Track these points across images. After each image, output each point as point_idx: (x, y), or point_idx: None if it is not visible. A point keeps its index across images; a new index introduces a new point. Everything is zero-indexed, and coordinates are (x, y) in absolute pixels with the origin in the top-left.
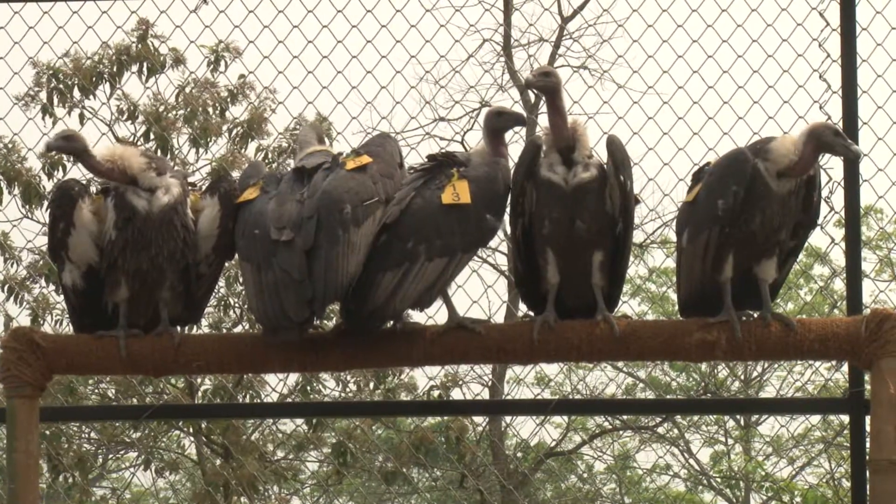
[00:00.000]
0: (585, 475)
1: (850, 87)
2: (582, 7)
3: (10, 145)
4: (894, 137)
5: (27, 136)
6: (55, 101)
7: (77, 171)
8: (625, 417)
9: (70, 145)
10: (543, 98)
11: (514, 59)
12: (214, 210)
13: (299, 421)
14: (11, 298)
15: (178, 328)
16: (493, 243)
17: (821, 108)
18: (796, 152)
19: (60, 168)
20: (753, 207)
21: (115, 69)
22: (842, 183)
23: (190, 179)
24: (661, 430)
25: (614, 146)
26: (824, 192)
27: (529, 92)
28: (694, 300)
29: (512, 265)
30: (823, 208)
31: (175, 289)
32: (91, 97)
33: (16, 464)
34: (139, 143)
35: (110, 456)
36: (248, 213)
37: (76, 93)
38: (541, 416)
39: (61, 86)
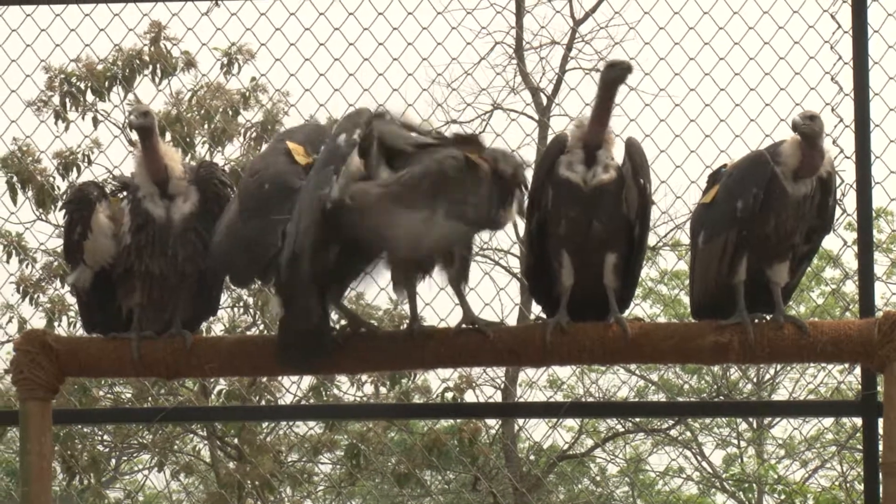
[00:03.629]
0: (598, 478)
1: (861, 89)
2: (594, 10)
3: (24, 147)
4: None
5: (40, 139)
6: (68, 104)
7: (90, 174)
8: (637, 420)
9: (147, 122)
10: (605, 88)
11: (525, 62)
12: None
13: (312, 423)
14: (26, 300)
15: (195, 327)
16: (504, 245)
17: (833, 110)
18: (800, 151)
19: (75, 169)
20: (769, 210)
21: (127, 72)
22: (854, 185)
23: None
24: (673, 432)
25: (634, 149)
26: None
27: (541, 94)
28: (707, 302)
29: (523, 256)
30: (836, 212)
31: (190, 292)
32: (104, 100)
33: (29, 466)
34: None
35: (123, 458)
36: (277, 165)
37: (89, 96)
38: (553, 418)
39: (73, 89)
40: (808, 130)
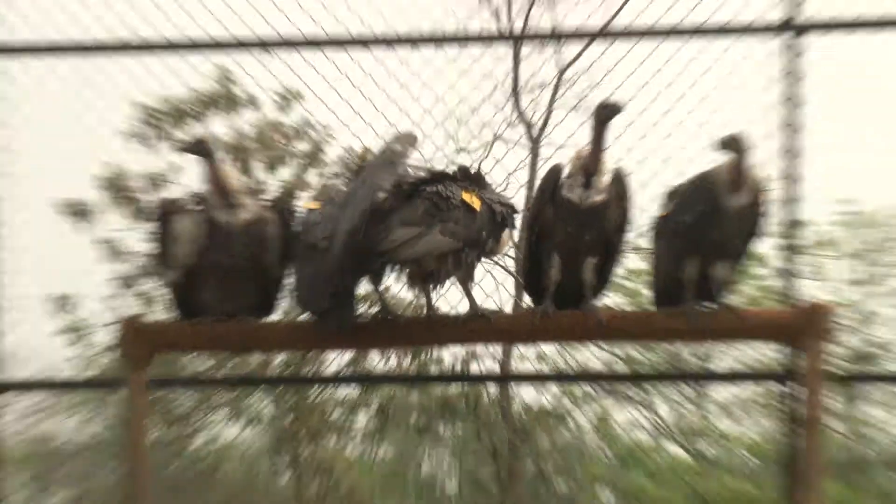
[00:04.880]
0: (575, 430)
1: (790, 124)
2: (575, 60)
3: (118, 170)
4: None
5: (133, 164)
6: (156, 134)
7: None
8: (606, 386)
9: (201, 148)
10: (598, 125)
11: (521, 101)
12: (277, 225)
13: (351, 387)
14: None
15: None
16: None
17: (765, 142)
18: (730, 169)
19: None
20: (712, 221)
21: (202, 109)
22: (782, 201)
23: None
24: (634, 395)
25: (619, 178)
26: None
27: (533, 127)
28: (663, 294)
29: (519, 260)
30: (768, 220)
31: (253, 284)
32: (184, 131)
33: (130, 422)
34: None
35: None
36: (305, 220)
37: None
38: (540, 384)
39: (159, 124)
40: (730, 149)
